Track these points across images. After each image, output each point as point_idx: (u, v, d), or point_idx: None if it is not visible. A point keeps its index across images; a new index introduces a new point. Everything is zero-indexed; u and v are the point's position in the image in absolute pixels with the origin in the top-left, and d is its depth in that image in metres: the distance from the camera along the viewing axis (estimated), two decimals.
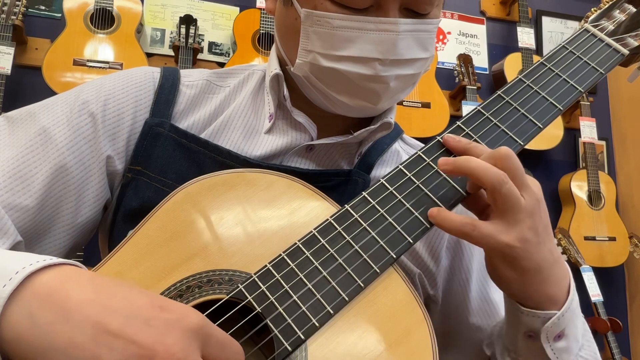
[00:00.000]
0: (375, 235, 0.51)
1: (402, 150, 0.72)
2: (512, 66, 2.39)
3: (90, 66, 1.84)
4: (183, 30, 1.97)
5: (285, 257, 0.49)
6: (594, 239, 2.33)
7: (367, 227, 0.51)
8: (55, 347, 0.34)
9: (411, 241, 0.51)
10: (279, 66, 0.64)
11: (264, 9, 2.06)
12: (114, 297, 0.37)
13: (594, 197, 2.39)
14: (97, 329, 0.34)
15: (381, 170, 0.67)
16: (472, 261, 0.70)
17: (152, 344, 0.34)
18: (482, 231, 0.49)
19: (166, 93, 0.64)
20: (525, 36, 2.39)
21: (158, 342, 0.34)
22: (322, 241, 0.51)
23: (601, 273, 2.31)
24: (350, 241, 0.51)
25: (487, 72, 2.51)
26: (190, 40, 1.97)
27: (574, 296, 0.54)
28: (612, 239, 2.36)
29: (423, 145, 0.57)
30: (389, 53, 0.56)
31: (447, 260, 0.69)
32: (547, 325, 0.52)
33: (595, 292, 2.16)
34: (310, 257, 0.50)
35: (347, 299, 0.48)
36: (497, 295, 0.70)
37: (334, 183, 0.63)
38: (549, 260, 0.51)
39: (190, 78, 0.68)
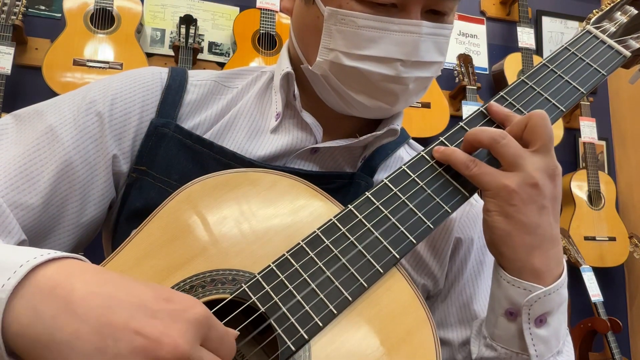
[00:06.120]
0: (379, 236, 0.51)
1: (408, 155, 0.72)
2: (512, 66, 2.39)
3: (90, 66, 1.84)
4: (183, 30, 1.97)
5: (289, 257, 0.50)
6: (594, 239, 2.33)
7: (371, 228, 0.52)
8: (59, 340, 0.34)
9: (414, 241, 0.51)
10: (291, 65, 0.64)
11: (264, 9, 2.06)
12: (119, 289, 0.37)
13: (594, 197, 2.39)
14: (101, 321, 0.34)
15: (384, 175, 0.67)
16: (464, 267, 0.68)
17: (158, 335, 0.34)
18: (482, 169, 0.52)
19: (173, 94, 0.64)
20: (525, 36, 2.39)
21: (164, 334, 0.35)
22: (326, 241, 0.51)
23: (601, 273, 2.31)
24: (354, 241, 0.51)
25: (487, 72, 2.51)
26: (190, 40, 1.96)
27: (564, 284, 0.52)
28: (612, 239, 2.36)
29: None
30: (411, 55, 0.56)
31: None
32: (530, 298, 0.50)
33: (595, 292, 2.16)
34: (314, 257, 0.50)
35: (350, 298, 0.48)
36: (478, 306, 0.67)
37: (337, 185, 0.63)
38: (546, 231, 0.51)
39: (199, 77, 0.68)
